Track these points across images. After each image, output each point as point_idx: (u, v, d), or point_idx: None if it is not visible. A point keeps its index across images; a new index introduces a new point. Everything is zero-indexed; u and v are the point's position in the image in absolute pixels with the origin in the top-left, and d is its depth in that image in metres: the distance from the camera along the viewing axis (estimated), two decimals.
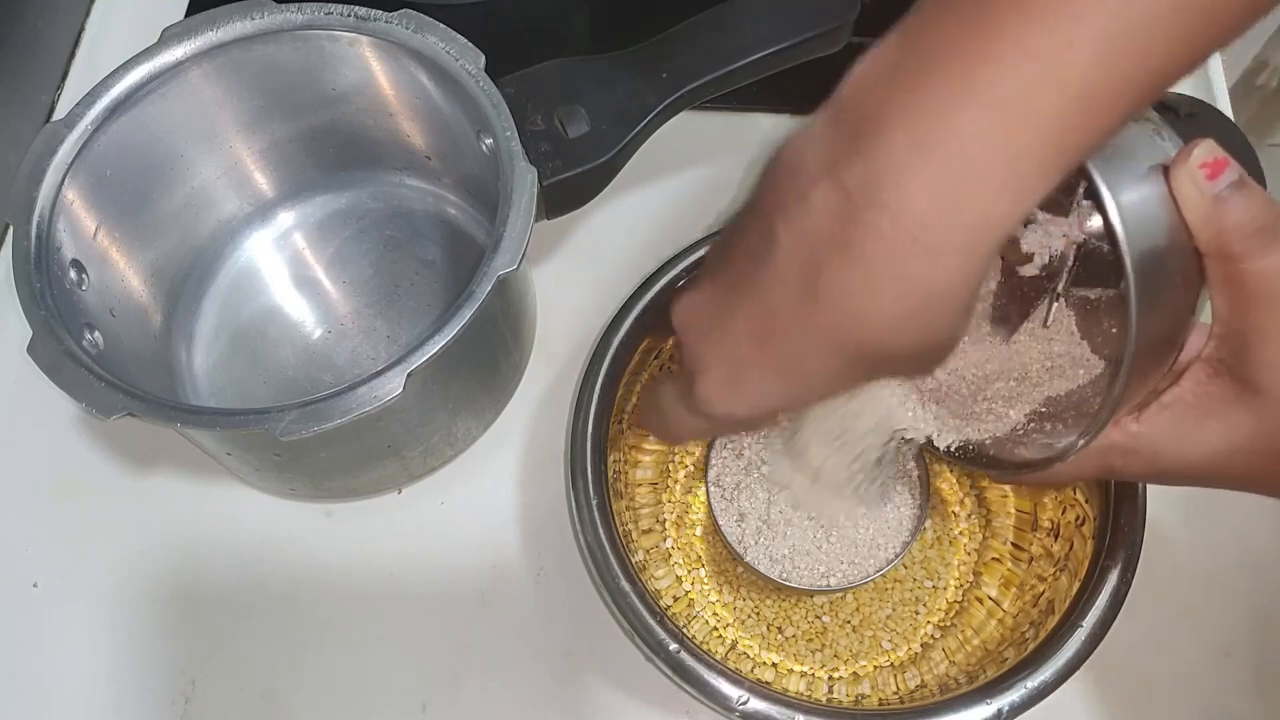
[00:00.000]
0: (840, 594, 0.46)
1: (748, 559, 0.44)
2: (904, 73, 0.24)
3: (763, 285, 0.28)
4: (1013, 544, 0.46)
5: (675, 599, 0.46)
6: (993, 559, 0.47)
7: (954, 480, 0.49)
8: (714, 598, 0.47)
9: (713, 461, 0.46)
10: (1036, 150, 0.23)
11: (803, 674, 0.45)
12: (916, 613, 0.46)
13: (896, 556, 0.44)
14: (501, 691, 0.45)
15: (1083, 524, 0.43)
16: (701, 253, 0.45)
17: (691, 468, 0.49)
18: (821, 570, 0.44)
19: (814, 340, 0.27)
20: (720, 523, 0.45)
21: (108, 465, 0.49)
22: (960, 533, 0.48)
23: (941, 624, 0.46)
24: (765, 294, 0.28)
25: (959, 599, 0.47)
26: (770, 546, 0.44)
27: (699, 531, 0.48)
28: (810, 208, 0.26)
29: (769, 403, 0.30)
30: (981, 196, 0.24)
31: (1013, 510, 0.47)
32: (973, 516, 0.48)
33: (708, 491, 0.46)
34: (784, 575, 0.44)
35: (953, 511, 0.48)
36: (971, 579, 0.47)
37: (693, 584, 0.47)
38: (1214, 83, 0.57)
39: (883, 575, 0.44)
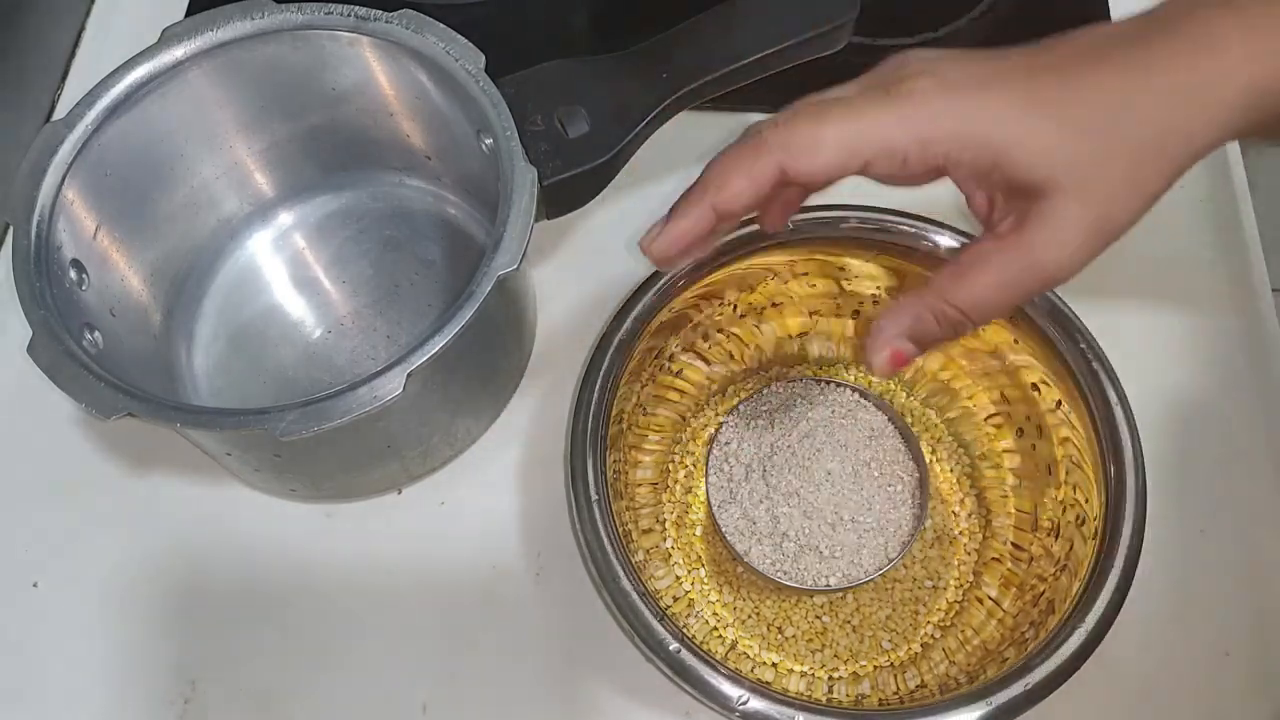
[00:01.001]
0: (840, 594, 0.46)
1: (748, 559, 0.44)
2: None
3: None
4: (1013, 544, 0.46)
5: (675, 599, 0.46)
6: (993, 559, 0.47)
7: (954, 480, 0.49)
8: (714, 598, 0.47)
9: (713, 461, 0.46)
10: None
11: (803, 674, 0.45)
12: (916, 613, 0.46)
13: (897, 556, 0.44)
14: (501, 691, 0.45)
15: (1083, 524, 0.43)
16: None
17: (691, 468, 0.49)
18: (822, 570, 0.44)
19: None
20: (720, 522, 0.45)
21: (108, 465, 0.49)
22: (960, 533, 0.48)
23: (941, 624, 0.46)
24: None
25: (959, 599, 0.47)
26: (770, 546, 0.44)
27: (699, 531, 0.48)
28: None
29: None
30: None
31: (1013, 510, 0.47)
32: (973, 516, 0.48)
33: (708, 491, 0.46)
34: (784, 575, 0.44)
35: (953, 511, 0.48)
36: (971, 579, 0.47)
37: (693, 584, 0.47)
38: None
39: (883, 575, 0.44)
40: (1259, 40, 0.30)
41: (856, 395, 0.48)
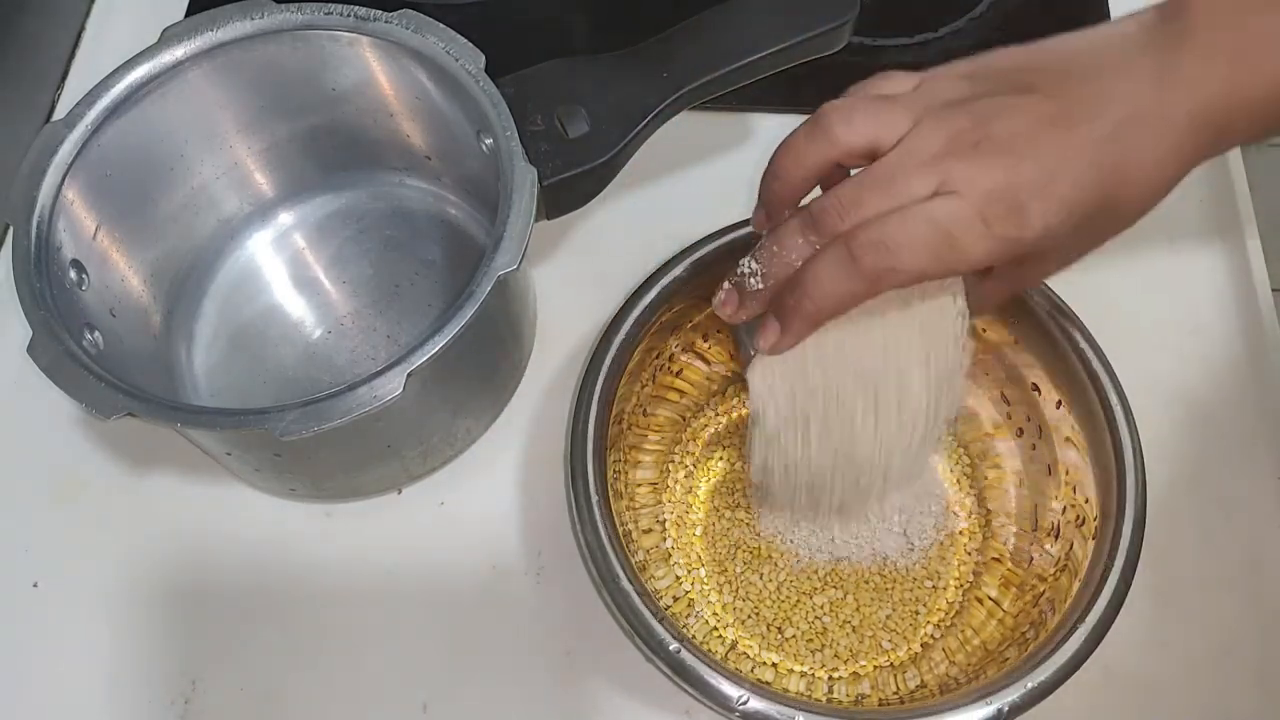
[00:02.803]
0: (841, 594, 0.46)
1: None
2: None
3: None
4: (1013, 544, 0.46)
5: (675, 599, 0.46)
6: (993, 559, 0.47)
7: (954, 480, 0.49)
8: (714, 598, 0.47)
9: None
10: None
11: (803, 674, 0.45)
12: (916, 613, 0.46)
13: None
14: (501, 691, 0.45)
15: (1083, 524, 0.43)
16: (702, 253, 0.45)
17: (691, 468, 0.49)
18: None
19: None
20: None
21: (108, 465, 0.49)
22: (960, 533, 0.48)
23: (941, 624, 0.46)
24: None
25: (959, 599, 0.46)
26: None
27: (699, 531, 0.48)
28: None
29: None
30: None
31: (1013, 510, 0.47)
32: (973, 516, 0.48)
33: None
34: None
35: (953, 511, 0.48)
36: (971, 579, 0.47)
37: (693, 584, 0.47)
38: None
39: (882, 575, 0.44)
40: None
41: None
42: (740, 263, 0.37)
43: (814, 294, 0.34)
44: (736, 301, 0.37)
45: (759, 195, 0.38)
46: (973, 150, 0.32)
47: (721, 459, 0.49)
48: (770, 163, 0.37)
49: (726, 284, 0.38)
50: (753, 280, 0.36)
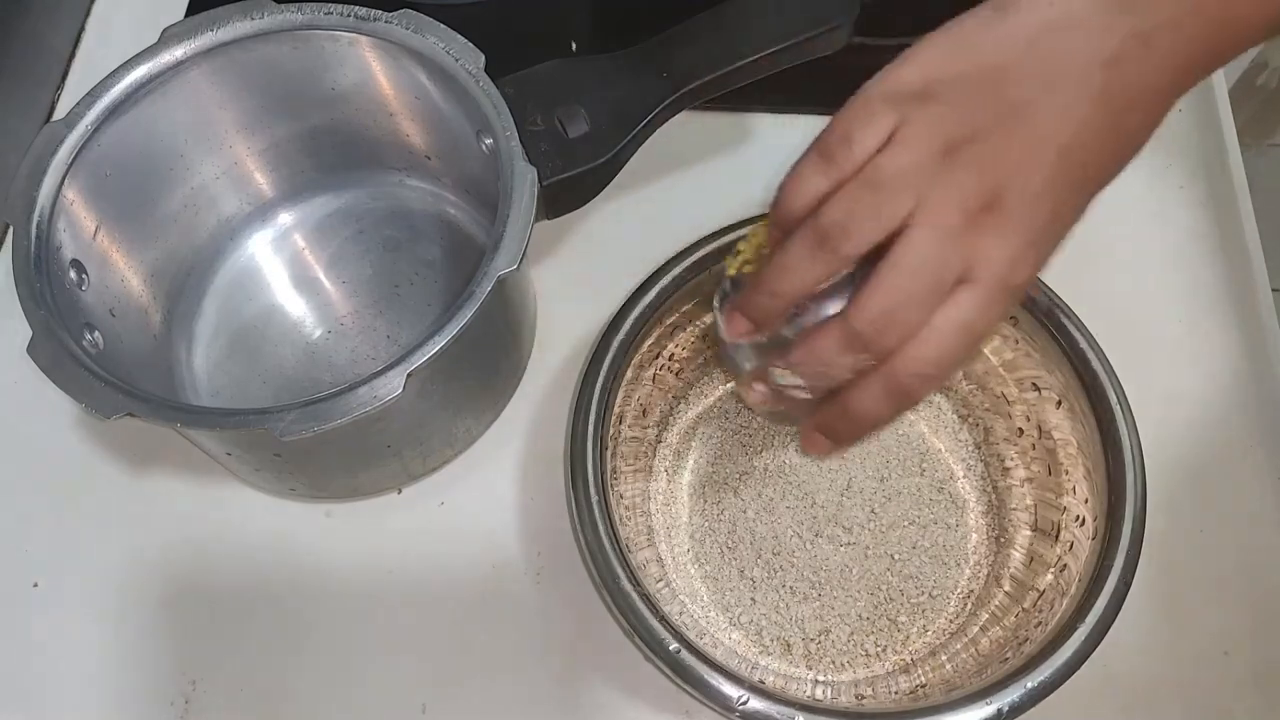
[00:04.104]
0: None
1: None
2: None
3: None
4: (1014, 545, 0.46)
5: (675, 599, 0.46)
6: (1000, 563, 0.47)
7: (960, 477, 0.49)
8: (704, 597, 0.47)
9: None
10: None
11: (802, 675, 0.45)
12: (918, 614, 0.46)
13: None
14: (501, 691, 0.45)
15: (1083, 524, 0.43)
16: (702, 253, 0.45)
17: (673, 460, 0.49)
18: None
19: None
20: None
21: (108, 465, 0.49)
22: (963, 534, 0.48)
23: (943, 626, 0.46)
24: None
25: (961, 601, 0.46)
26: None
27: (686, 534, 0.48)
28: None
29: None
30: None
31: (1016, 511, 0.47)
32: (975, 518, 0.48)
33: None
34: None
35: (964, 514, 0.48)
36: (980, 586, 0.47)
37: (681, 580, 0.47)
38: (1214, 83, 0.57)
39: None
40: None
41: None
42: (774, 371, 0.37)
43: (865, 420, 0.36)
44: (774, 399, 0.39)
45: (751, 315, 0.37)
46: (986, 215, 0.33)
47: (699, 448, 0.49)
48: (763, 280, 0.36)
49: (761, 386, 0.38)
50: (797, 392, 0.37)
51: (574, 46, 0.58)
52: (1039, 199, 0.33)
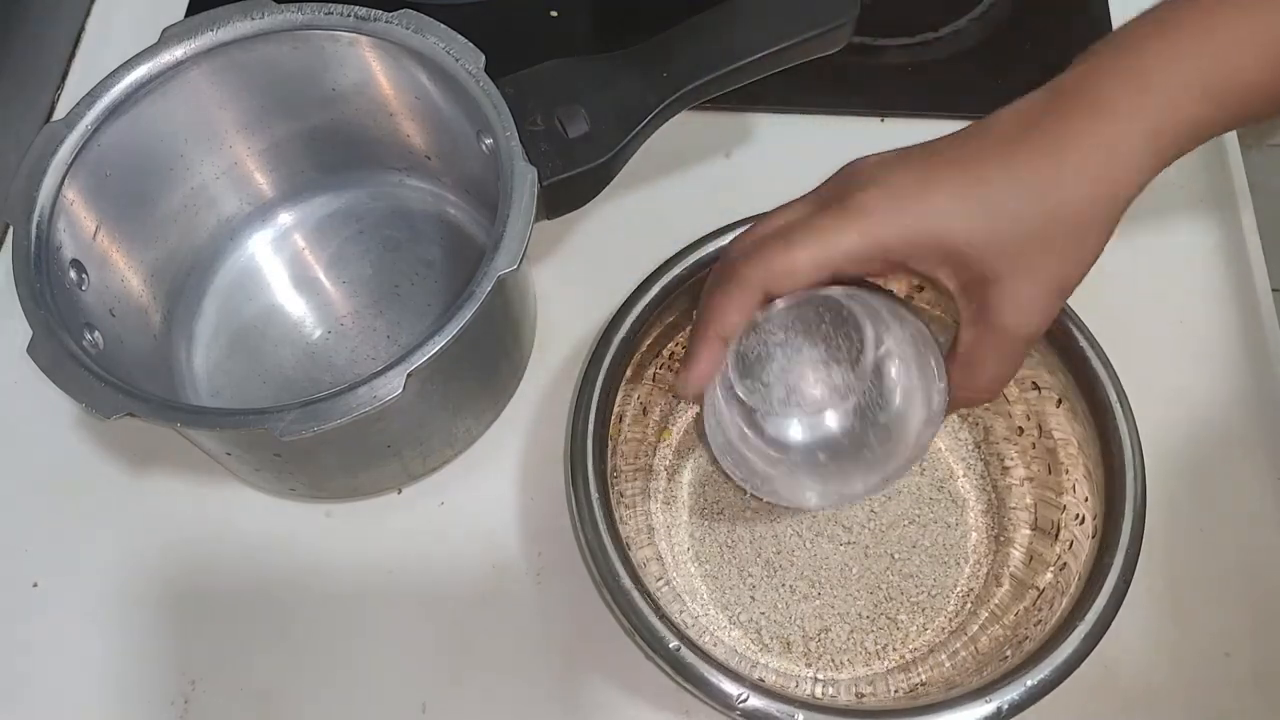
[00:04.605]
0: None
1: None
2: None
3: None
4: (1014, 544, 0.46)
5: (675, 598, 0.46)
6: (1001, 563, 0.47)
7: (960, 476, 0.49)
8: (704, 595, 0.47)
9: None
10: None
11: (802, 674, 0.45)
12: (918, 613, 0.46)
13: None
14: (501, 691, 0.45)
15: (1083, 524, 0.43)
16: (701, 253, 0.45)
17: (673, 461, 0.49)
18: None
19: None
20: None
21: (108, 465, 0.49)
22: (963, 533, 0.48)
23: (943, 624, 0.46)
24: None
25: (961, 599, 0.46)
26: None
27: (685, 535, 0.48)
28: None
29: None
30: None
31: (1016, 510, 0.47)
32: (982, 519, 0.48)
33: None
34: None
35: (964, 515, 0.48)
36: (980, 585, 0.47)
37: (682, 580, 0.47)
38: None
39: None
40: (1140, 96, 0.34)
41: None
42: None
43: None
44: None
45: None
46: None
47: (700, 447, 0.49)
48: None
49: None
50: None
51: (574, 47, 0.58)
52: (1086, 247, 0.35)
